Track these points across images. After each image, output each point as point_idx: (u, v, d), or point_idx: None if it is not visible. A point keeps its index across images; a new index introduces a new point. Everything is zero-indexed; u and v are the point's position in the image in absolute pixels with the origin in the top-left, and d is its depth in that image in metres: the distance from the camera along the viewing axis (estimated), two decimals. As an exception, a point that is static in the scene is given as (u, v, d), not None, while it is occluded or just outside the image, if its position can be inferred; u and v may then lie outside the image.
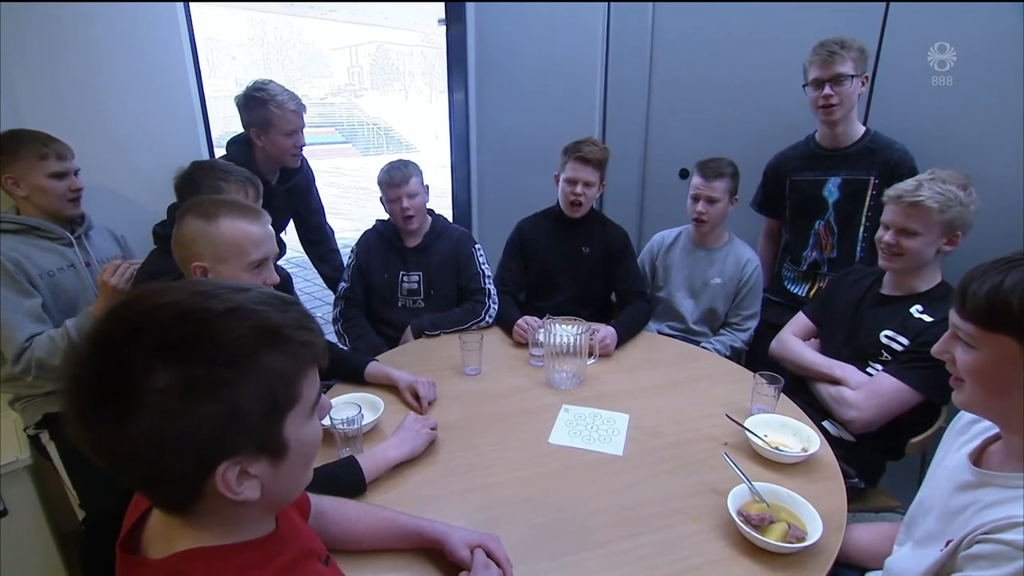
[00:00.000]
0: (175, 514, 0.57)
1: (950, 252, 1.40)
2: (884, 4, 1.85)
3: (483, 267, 2.00)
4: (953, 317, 0.84)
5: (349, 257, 2.03)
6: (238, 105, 1.92)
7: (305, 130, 2.01)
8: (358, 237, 2.05)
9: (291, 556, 0.63)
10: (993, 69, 1.70)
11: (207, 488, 0.54)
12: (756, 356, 1.99)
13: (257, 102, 1.88)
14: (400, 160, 1.95)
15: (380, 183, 1.94)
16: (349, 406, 1.26)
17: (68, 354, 0.52)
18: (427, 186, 1.96)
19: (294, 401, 0.57)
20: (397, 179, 1.88)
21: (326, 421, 1.09)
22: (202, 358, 0.50)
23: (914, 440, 1.41)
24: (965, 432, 0.95)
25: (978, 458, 0.89)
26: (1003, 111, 1.70)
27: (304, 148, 2.06)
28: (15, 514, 1.61)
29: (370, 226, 2.06)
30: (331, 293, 2.18)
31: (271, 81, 1.93)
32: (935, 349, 0.89)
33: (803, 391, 1.56)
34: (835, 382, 1.46)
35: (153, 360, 0.49)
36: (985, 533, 0.76)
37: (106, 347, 0.50)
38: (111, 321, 0.52)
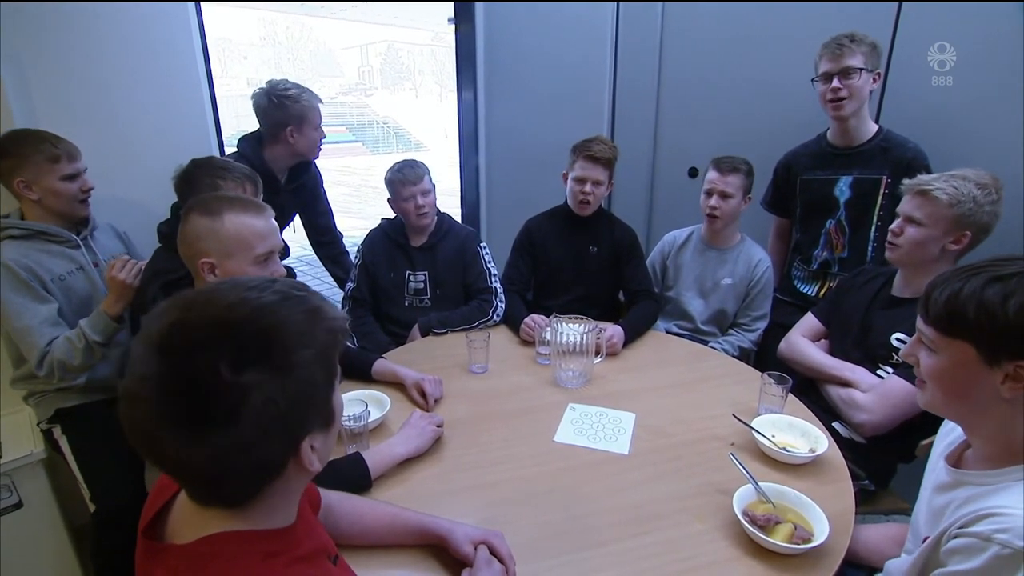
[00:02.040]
0: (231, 506, 0.59)
1: (957, 252, 1.37)
2: (896, 4, 1.83)
3: (489, 266, 2.00)
4: (918, 322, 0.88)
5: (355, 257, 2.03)
6: (262, 109, 1.91)
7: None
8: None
9: (306, 550, 0.64)
10: (993, 69, 1.68)
11: (288, 470, 0.59)
12: (765, 356, 1.97)
13: (290, 99, 1.89)
14: (409, 160, 1.95)
15: (390, 182, 1.92)
16: (356, 403, 1.26)
17: (136, 380, 0.52)
18: (435, 184, 1.96)
19: (336, 372, 0.63)
20: (411, 177, 1.87)
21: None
22: (281, 346, 0.55)
23: (924, 442, 1.39)
24: (950, 435, 0.97)
25: (958, 460, 0.91)
26: (1003, 111, 1.68)
27: None
28: (29, 507, 1.65)
29: (375, 225, 2.05)
30: (340, 291, 2.19)
31: (286, 79, 1.94)
32: (903, 352, 0.93)
33: (812, 391, 1.54)
34: (845, 384, 1.45)
35: (240, 360, 0.52)
36: (960, 528, 0.78)
37: (187, 359, 0.51)
38: (181, 333, 0.53)
